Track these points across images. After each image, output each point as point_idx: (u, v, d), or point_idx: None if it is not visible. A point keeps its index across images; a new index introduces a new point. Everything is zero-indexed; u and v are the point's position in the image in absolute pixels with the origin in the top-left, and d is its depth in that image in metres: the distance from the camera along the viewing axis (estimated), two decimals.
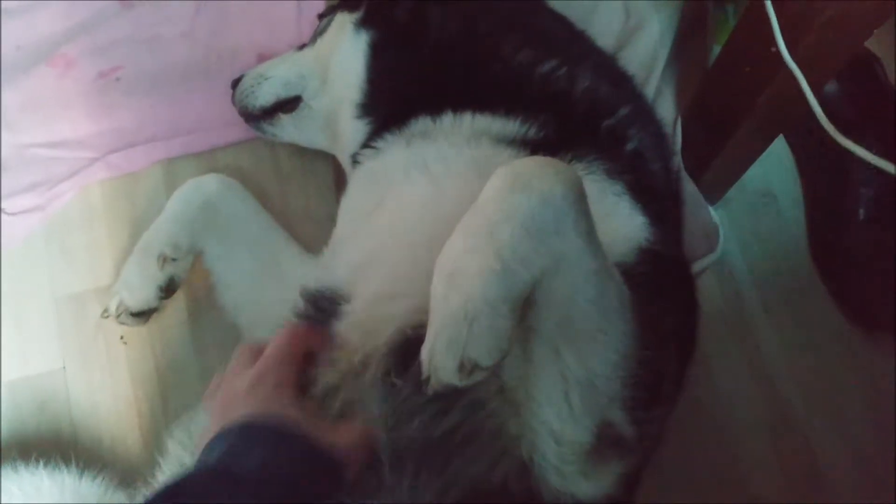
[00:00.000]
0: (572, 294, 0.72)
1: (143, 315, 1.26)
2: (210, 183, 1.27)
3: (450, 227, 0.73)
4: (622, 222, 0.91)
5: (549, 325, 0.74)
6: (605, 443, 0.79)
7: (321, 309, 0.94)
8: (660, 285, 0.87)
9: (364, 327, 0.87)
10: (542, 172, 0.71)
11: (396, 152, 1.03)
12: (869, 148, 1.29)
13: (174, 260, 1.24)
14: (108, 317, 1.26)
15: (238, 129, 1.38)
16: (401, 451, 0.81)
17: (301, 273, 1.17)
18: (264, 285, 1.23)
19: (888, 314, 1.29)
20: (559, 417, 0.77)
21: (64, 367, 1.27)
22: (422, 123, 1.03)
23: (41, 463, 1.05)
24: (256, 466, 0.71)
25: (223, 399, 0.85)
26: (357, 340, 0.87)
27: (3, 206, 1.35)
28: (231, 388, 0.85)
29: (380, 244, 0.94)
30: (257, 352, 0.89)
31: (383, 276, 0.90)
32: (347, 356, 0.87)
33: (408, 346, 0.79)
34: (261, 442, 0.74)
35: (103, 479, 1.06)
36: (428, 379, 0.71)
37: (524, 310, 0.72)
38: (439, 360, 0.69)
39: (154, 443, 1.17)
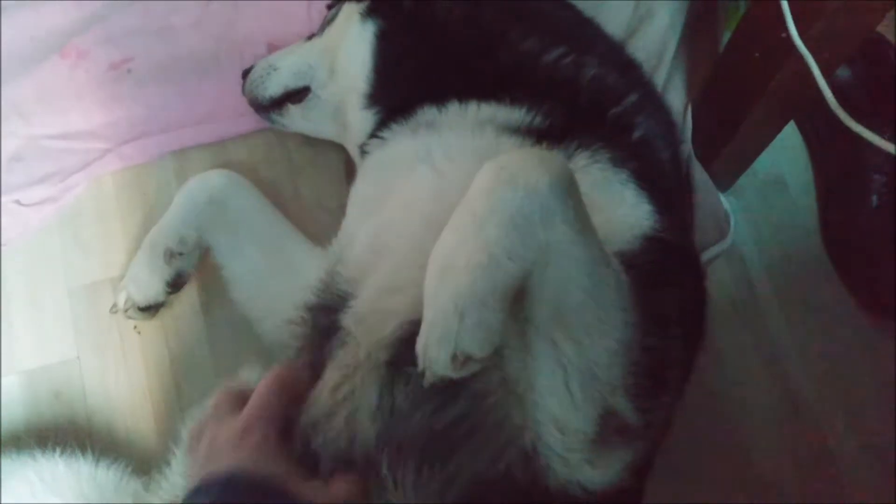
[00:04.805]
0: (565, 284, 0.72)
1: (150, 309, 1.27)
2: (215, 178, 1.28)
3: (449, 215, 0.73)
4: (627, 210, 0.90)
5: (544, 315, 0.74)
6: (609, 431, 0.79)
7: (329, 306, 0.94)
8: (665, 273, 0.87)
9: (368, 321, 0.87)
10: (527, 165, 0.71)
11: (402, 142, 1.03)
12: (881, 134, 1.28)
13: (181, 255, 1.25)
14: (116, 311, 1.28)
15: (249, 120, 1.39)
16: (402, 446, 0.81)
17: (309, 265, 1.17)
18: (273, 278, 1.24)
19: None
20: (561, 406, 0.77)
21: (79, 357, 1.29)
22: (428, 113, 1.03)
23: (58, 450, 1.06)
24: None
25: (207, 448, 0.83)
26: (361, 335, 0.87)
27: (18, 197, 1.36)
28: (216, 437, 0.83)
29: (385, 237, 0.95)
30: (238, 398, 0.87)
31: (388, 268, 0.90)
32: (353, 351, 0.87)
33: (410, 339, 0.79)
34: (245, 500, 0.74)
35: (118, 466, 1.08)
36: (424, 372, 0.71)
37: (520, 301, 0.73)
38: (433, 354, 0.70)
39: (168, 431, 1.18)
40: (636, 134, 1.00)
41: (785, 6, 1.01)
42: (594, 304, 0.74)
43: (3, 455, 1.07)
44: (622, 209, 0.90)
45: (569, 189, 0.72)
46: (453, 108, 1.01)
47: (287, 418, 0.85)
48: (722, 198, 1.35)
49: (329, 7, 1.29)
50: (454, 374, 0.70)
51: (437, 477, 0.80)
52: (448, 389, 0.77)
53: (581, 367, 0.75)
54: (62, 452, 1.06)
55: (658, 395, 0.82)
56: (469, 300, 0.68)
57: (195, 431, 0.88)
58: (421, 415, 0.80)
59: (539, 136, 0.95)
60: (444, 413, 0.80)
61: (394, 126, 1.05)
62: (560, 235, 0.70)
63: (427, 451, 0.81)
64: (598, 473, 0.81)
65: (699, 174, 1.31)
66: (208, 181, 1.28)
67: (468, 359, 0.69)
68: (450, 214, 0.73)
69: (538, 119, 0.97)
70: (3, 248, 1.34)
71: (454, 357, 0.69)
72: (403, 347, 0.82)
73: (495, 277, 0.69)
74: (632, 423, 0.79)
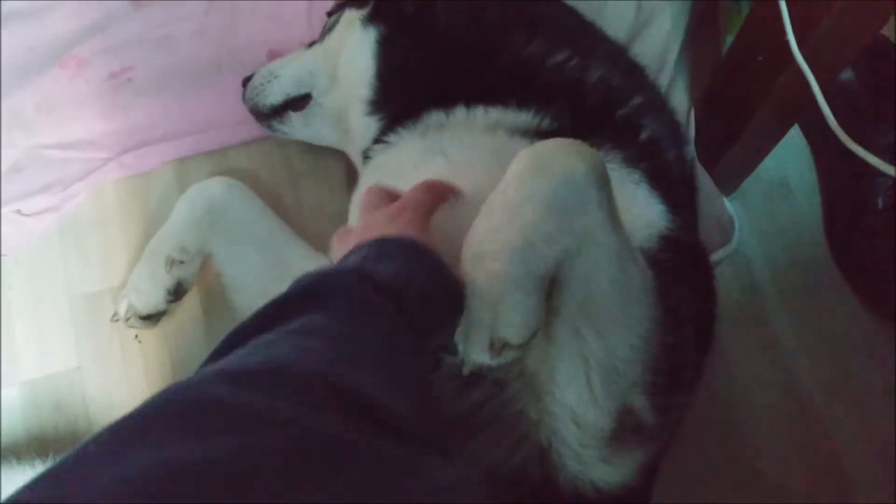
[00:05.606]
0: (595, 274, 0.72)
1: (151, 318, 1.26)
2: (215, 186, 1.27)
3: (470, 205, 0.73)
4: (642, 210, 0.90)
5: (571, 305, 0.74)
6: (625, 428, 0.79)
7: None
8: (680, 272, 0.87)
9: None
10: (563, 153, 0.71)
11: (411, 143, 1.03)
12: (885, 135, 1.28)
13: (182, 263, 1.24)
14: (117, 320, 1.27)
15: (250, 128, 1.38)
16: None
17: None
18: (274, 285, 1.22)
19: None
20: (580, 400, 0.77)
21: (80, 367, 1.27)
22: (435, 117, 1.03)
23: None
24: (392, 273, 0.68)
25: (361, 229, 0.80)
26: None
27: (19, 207, 1.35)
28: (368, 221, 0.81)
29: None
30: (390, 193, 0.86)
31: None
32: None
33: None
34: (397, 254, 0.71)
35: None
36: (462, 360, 0.71)
37: (549, 290, 0.72)
38: (470, 338, 0.70)
39: None
40: (644, 135, 1.00)
41: (785, 15, 1.01)
42: (621, 296, 0.74)
43: (3, 465, 1.06)
44: (637, 208, 0.90)
45: (602, 178, 0.72)
46: (460, 112, 1.01)
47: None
48: (726, 202, 1.35)
49: (329, 14, 1.29)
50: (492, 362, 0.70)
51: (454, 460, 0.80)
52: (470, 375, 0.76)
53: (603, 360, 0.75)
54: None
55: (673, 395, 0.82)
56: (505, 285, 0.68)
57: (342, 232, 0.87)
58: (442, 395, 0.80)
59: (549, 137, 0.95)
60: (464, 397, 0.80)
61: (400, 130, 1.05)
62: (593, 223, 0.71)
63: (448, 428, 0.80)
64: (611, 472, 0.80)
65: (703, 178, 1.30)
66: (209, 189, 1.27)
67: (505, 345, 0.69)
68: (467, 207, 0.73)
69: (546, 121, 0.97)
70: (3, 257, 1.33)
71: (492, 343, 0.69)
72: None
73: (531, 262, 0.69)
74: (648, 422, 0.79)
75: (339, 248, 0.81)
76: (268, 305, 0.63)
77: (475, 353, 0.70)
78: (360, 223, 0.83)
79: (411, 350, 0.64)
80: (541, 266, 0.69)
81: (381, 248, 0.71)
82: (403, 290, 0.66)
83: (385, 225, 0.77)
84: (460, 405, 0.80)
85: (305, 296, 0.64)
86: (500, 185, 0.73)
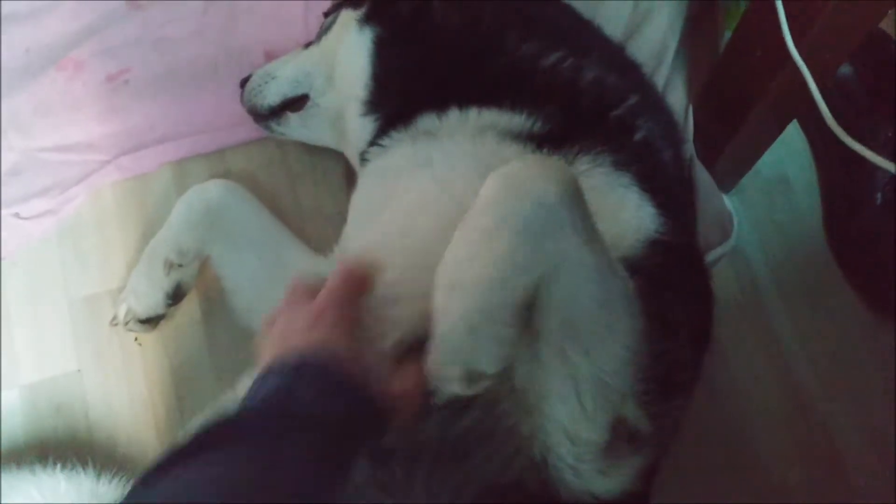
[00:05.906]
0: (574, 293, 0.72)
1: (151, 321, 1.26)
2: (213, 188, 1.27)
3: (454, 228, 0.72)
4: (631, 214, 0.89)
5: (553, 325, 0.73)
6: (620, 439, 0.78)
7: None
8: (671, 276, 0.86)
9: (372, 330, 0.85)
10: (534, 174, 0.70)
11: (402, 150, 1.03)
12: (884, 130, 1.28)
13: (180, 266, 1.24)
14: (116, 324, 1.27)
15: (247, 129, 1.38)
16: (415, 449, 0.80)
17: (309, 273, 1.16)
18: (272, 287, 1.23)
19: None
20: (572, 417, 0.76)
21: (80, 370, 1.27)
22: (428, 120, 1.02)
23: (59, 465, 1.05)
24: (306, 405, 0.68)
25: (280, 332, 0.81)
26: (365, 342, 0.85)
27: (17, 210, 1.36)
28: (289, 322, 0.81)
29: (384, 247, 0.94)
30: (311, 290, 0.85)
31: (387, 279, 0.88)
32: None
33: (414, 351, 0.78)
34: (313, 381, 0.71)
35: (120, 480, 1.06)
36: (436, 390, 0.71)
37: (529, 311, 0.72)
38: (444, 372, 0.69)
39: (170, 443, 1.17)
40: (638, 135, 0.99)
41: (780, 11, 1.00)
42: (603, 311, 0.73)
43: (3, 470, 1.06)
44: (626, 213, 0.89)
45: (576, 197, 0.71)
46: (453, 114, 1.00)
47: (357, 308, 0.82)
48: (725, 198, 1.34)
49: (326, 14, 1.29)
50: (465, 392, 0.70)
51: (448, 480, 0.80)
52: (461, 399, 0.76)
53: (591, 376, 0.74)
54: (63, 467, 1.05)
55: (668, 400, 0.81)
56: (480, 317, 0.68)
57: (268, 318, 0.87)
58: (435, 422, 0.80)
59: (540, 140, 0.94)
60: (458, 422, 0.80)
61: (393, 134, 1.05)
62: (569, 245, 0.70)
63: (439, 456, 0.80)
64: (609, 483, 0.80)
65: (701, 175, 1.30)
66: (207, 191, 1.27)
67: (479, 375, 0.69)
68: (450, 224, 0.72)
69: (538, 124, 0.96)
70: (2, 261, 1.33)
71: (465, 374, 0.68)
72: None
73: (506, 292, 0.68)
74: (642, 430, 0.79)
75: (264, 345, 0.81)
76: (186, 443, 0.66)
77: (449, 384, 0.69)
78: (279, 324, 0.82)
79: (330, 480, 0.66)
80: (514, 296, 0.68)
81: (298, 375, 0.71)
82: (321, 418, 0.68)
83: (305, 333, 0.77)
84: (456, 428, 0.79)
85: (224, 431, 0.67)
86: (473, 209, 0.71)
